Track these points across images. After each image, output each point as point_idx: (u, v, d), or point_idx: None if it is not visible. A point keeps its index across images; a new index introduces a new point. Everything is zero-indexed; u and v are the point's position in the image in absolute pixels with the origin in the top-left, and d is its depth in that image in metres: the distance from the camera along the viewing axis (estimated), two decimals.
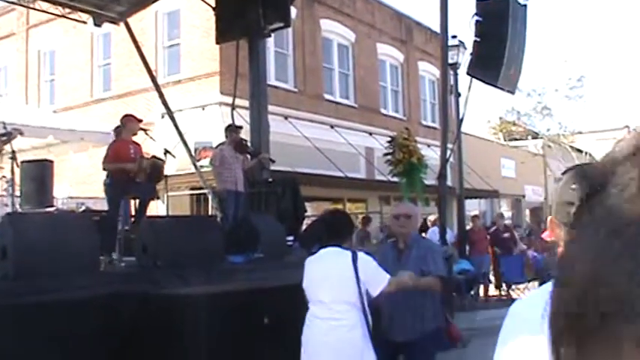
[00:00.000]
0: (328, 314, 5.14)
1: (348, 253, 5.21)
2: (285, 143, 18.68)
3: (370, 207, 24.37)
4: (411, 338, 5.71)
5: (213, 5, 14.34)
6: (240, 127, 12.41)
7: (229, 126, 12.28)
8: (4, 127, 8.57)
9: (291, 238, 11.31)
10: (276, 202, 12.16)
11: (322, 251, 5.36)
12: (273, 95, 17.09)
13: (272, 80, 19.71)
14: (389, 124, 25.13)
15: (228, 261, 8.95)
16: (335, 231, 5.46)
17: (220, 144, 11.96)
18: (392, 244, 6.10)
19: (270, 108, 14.77)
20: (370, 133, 25.40)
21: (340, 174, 21.57)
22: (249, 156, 12.18)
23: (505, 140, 42.62)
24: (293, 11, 15.67)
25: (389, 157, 17.29)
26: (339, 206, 23.94)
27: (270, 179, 13.07)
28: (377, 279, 5.20)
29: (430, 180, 17.34)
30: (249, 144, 12.50)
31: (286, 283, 7.79)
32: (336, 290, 5.15)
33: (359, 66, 26.46)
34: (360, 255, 5.24)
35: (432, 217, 18.08)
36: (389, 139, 17.84)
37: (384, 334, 5.57)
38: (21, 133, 8.99)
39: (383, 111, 27.94)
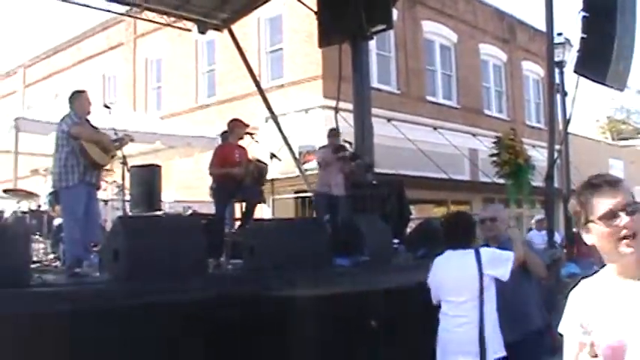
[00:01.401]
0: (456, 311, 5.30)
1: (472, 252, 5.35)
2: (389, 146, 18.61)
3: (475, 209, 24.02)
4: (514, 339, 5.35)
5: (315, 9, 14.41)
6: (339, 132, 12.51)
7: (330, 130, 12.47)
8: (116, 134, 8.75)
9: (396, 240, 11.21)
10: (382, 204, 12.07)
11: (448, 252, 5.53)
12: (376, 98, 17.03)
13: (374, 83, 19.73)
14: (493, 125, 24.77)
15: (334, 264, 8.92)
16: (458, 232, 5.58)
17: (321, 147, 12.06)
18: (485, 246, 5.93)
19: (373, 110, 14.75)
20: (474, 135, 25.10)
21: (444, 176, 21.37)
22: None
23: (614, 139, 41.47)
24: (394, 13, 15.55)
25: (495, 158, 16.98)
26: (443, 209, 23.73)
27: (375, 181, 13.02)
28: (502, 263, 5.27)
29: (536, 181, 16.97)
30: (348, 147, 12.43)
31: (393, 286, 7.75)
32: (462, 289, 5.29)
33: (461, 67, 26.19)
34: (482, 250, 5.38)
35: (533, 220, 17.71)
36: (494, 140, 17.53)
37: None
38: (132, 139, 9.16)
39: (486, 112, 27.58)
